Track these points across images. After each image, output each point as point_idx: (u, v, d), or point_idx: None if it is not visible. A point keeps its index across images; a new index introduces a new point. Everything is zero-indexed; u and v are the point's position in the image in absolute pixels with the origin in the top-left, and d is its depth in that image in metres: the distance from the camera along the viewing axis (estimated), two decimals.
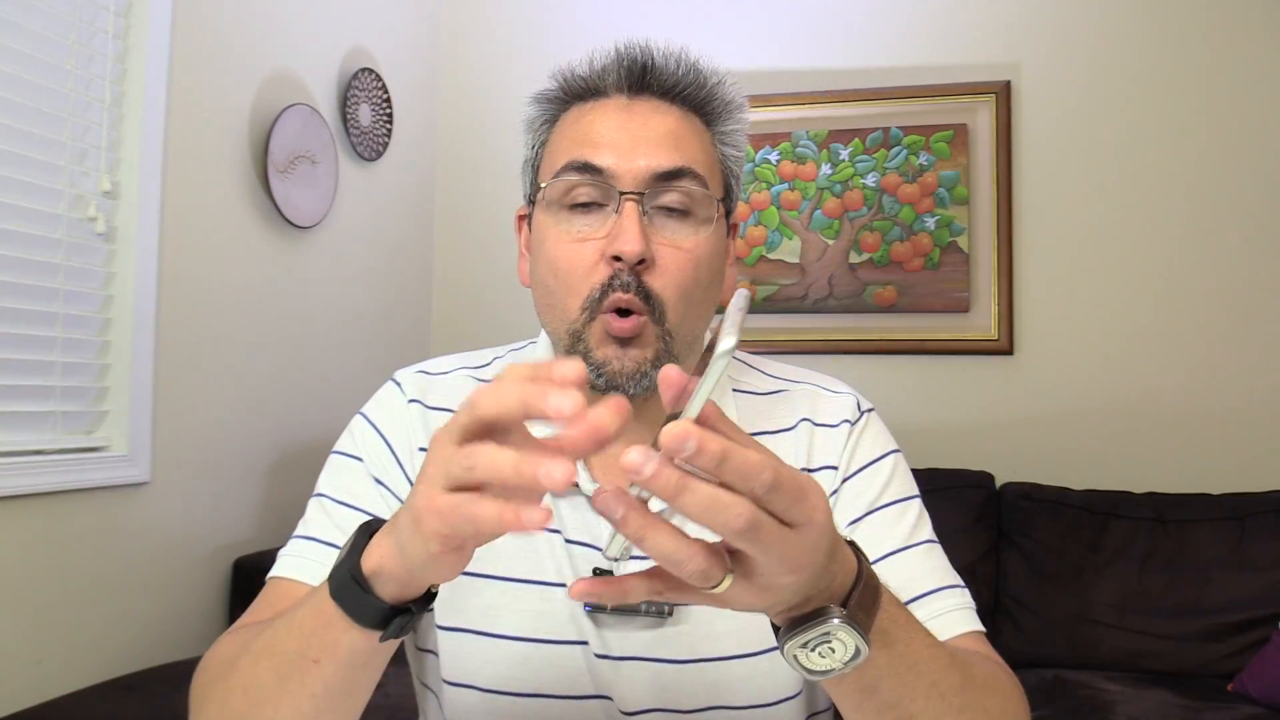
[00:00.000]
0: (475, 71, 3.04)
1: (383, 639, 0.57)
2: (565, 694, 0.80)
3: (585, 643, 0.80)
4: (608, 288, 0.76)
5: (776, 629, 0.54)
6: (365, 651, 0.58)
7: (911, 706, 0.60)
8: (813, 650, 0.52)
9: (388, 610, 0.56)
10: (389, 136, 2.72)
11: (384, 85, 2.69)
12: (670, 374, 0.47)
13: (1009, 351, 2.61)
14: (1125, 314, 2.56)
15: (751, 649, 0.80)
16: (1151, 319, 2.55)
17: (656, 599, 0.47)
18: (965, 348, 2.62)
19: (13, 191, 1.69)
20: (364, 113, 2.62)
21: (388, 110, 2.71)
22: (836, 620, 0.51)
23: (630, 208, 0.76)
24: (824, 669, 0.53)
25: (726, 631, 0.80)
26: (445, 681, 0.82)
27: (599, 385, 0.79)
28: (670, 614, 0.79)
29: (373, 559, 0.56)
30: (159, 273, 1.95)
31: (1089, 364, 2.58)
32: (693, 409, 0.44)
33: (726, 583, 0.47)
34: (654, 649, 0.80)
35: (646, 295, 0.76)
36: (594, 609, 0.79)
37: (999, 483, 2.43)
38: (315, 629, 0.59)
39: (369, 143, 2.65)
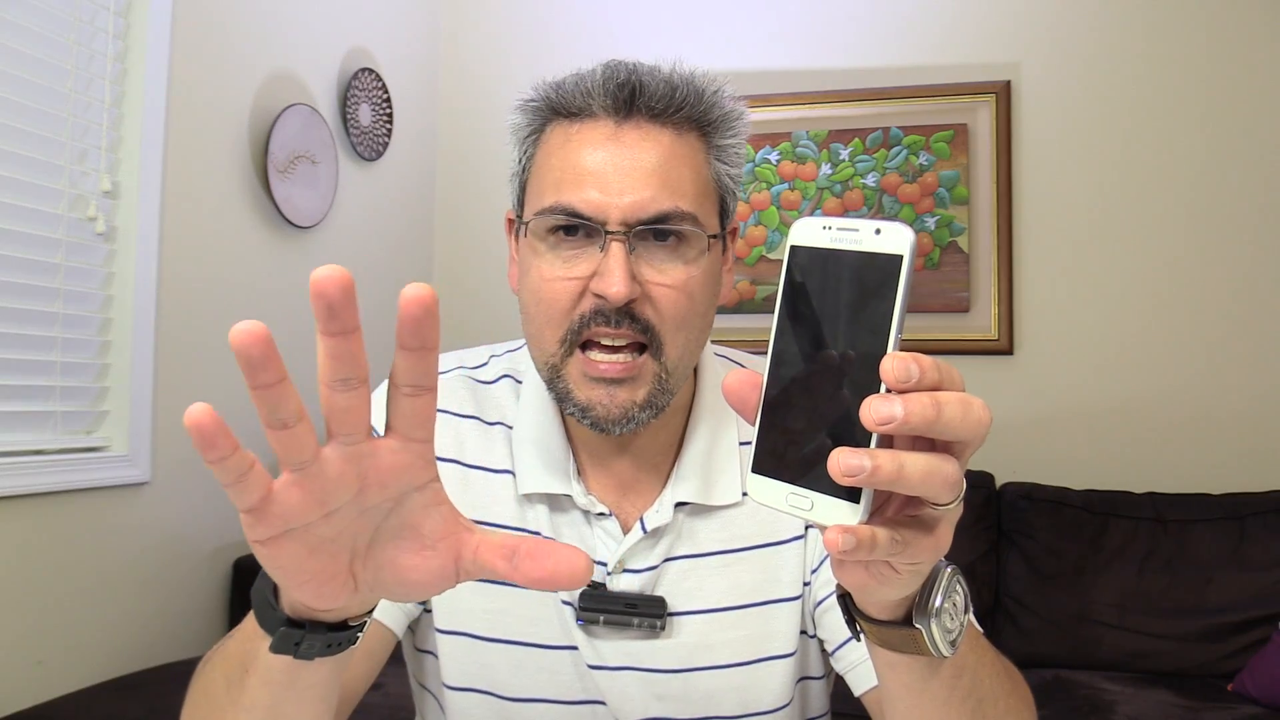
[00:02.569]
0: (475, 71, 3.04)
1: (271, 648, 0.51)
2: (560, 699, 0.81)
3: (574, 648, 0.80)
4: (589, 320, 0.74)
5: (897, 625, 0.52)
6: (280, 670, 0.53)
7: (984, 686, 0.60)
8: (944, 612, 0.51)
9: (282, 619, 0.51)
10: (389, 136, 2.72)
11: (384, 85, 2.69)
12: (733, 383, 0.46)
13: (1009, 351, 2.61)
14: (1125, 314, 2.56)
15: (744, 658, 0.80)
16: (1151, 319, 2.54)
17: (896, 551, 0.44)
18: (965, 348, 2.62)
19: (13, 191, 1.69)
20: (364, 113, 2.62)
21: (388, 110, 2.71)
22: (949, 569, 0.52)
23: (616, 248, 0.73)
24: (954, 634, 0.52)
25: (719, 643, 0.80)
26: (446, 685, 0.82)
27: (582, 423, 0.77)
28: (663, 628, 0.79)
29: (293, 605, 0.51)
30: (159, 273, 1.95)
31: (1089, 364, 2.58)
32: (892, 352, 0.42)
33: (961, 494, 0.45)
34: (647, 659, 0.80)
35: (645, 327, 0.74)
36: (587, 622, 0.79)
37: (999, 483, 2.43)
38: (249, 635, 0.56)
39: (369, 143, 2.65)
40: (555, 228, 0.75)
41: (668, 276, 0.75)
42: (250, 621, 0.55)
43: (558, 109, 0.78)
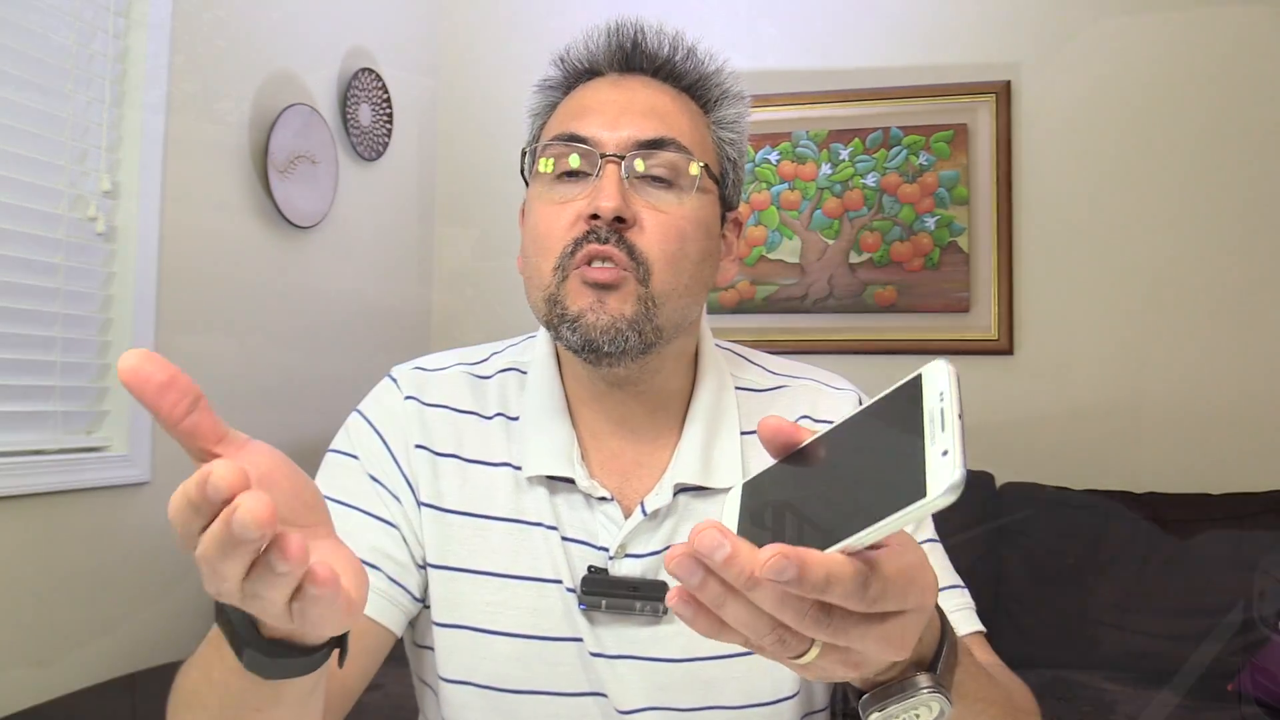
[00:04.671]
0: (475, 72, 3.04)
1: (301, 672, 0.51)
2: (561, 691, 0.80)
3: (579, 639, 0.80)
4: (582, 241, 0.76)
5: (858, 693, 0.52)
6: (312, 679, 0.53)
7: None
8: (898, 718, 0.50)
9: (316, 657, 0.51)
10: (389, 136, 2.72)
11: (384, 85, 2.69)
12: (772, 424, 0.48)
13: (1009, 351, 2.61)
14: (1125, 314, 2.56)
15: (746, 648, 0.80)
16: (1151, 318, 2.54)
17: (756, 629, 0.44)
18: (965, 348, 2.62)
19: (13, 191, 1.69)
20: (364, 113, 2.62)
21: (388, 110, 2.71)
22: (926, 690, 0.49)
23: (610, 169, 0.76)
24: None
25: None
26: (442, 678, 0.82)
27: (574, 344, 0.77)
28: (665, 613, 0.79)
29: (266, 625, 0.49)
30: (159, 273, 1.95)
31: (1089, 364, 2.58)
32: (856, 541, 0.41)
33: (812, 654, 0.44)
34: (648, 648, 0.80)
35: (630, 250, 0.76)
36: (589, 607, 0.79)
37: (999, 483, 2.43)
38: (245, 688, 0.53)
39: (369, 143, 2.65)
40: (556, 163, 0.79)
41: (662, 205, 0.78)
42: (238, 679, 0.52)
43: (571, 76, 0.84)
